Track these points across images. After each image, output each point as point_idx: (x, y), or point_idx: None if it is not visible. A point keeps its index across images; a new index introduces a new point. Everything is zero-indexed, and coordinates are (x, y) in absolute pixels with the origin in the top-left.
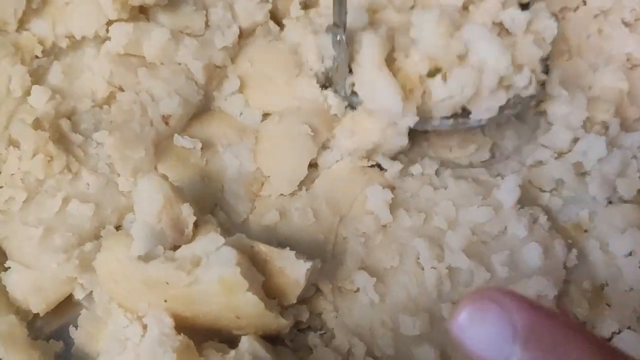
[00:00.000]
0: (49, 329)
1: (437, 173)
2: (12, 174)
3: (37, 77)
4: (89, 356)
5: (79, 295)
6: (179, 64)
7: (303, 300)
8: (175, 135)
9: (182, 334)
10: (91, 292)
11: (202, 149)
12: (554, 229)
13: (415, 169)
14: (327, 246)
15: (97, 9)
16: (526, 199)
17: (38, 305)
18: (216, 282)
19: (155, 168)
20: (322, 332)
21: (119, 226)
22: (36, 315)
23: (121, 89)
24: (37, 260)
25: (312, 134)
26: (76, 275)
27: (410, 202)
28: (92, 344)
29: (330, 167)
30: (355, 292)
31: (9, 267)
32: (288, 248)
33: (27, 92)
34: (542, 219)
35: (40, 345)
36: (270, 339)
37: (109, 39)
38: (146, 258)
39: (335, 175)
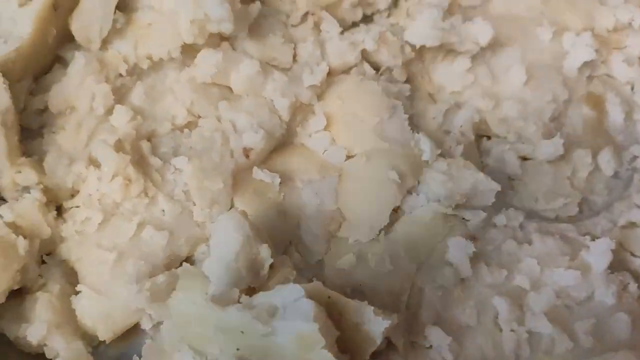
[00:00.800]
0: (112, 353)
1: (521, 226)
2: (90, 195)
3: (120, 96)
4: None
5: (146, 325)
6: (264, 97)
7: (373, 354)
8: (255, 167)
9: None
10: (158, 323)
11: (280, 183)
12: None
13: (499, 219)
14: (402, 296)
15: (175, 31)
16: (614, 262)
17: (105, 333)
18: (293, 337)
19: (232, 200)
20: None
21: (191, 256)
22: (102, 341)
23: (199, 117)
24: (108, 286)
25: (399, 180)
26: (145, 307)
27: (492, 255)
28: None
29: (412, 212)
30: (427, 348)
31: (80, 291)
32: (366, 302)
33: (110, 111)
34: (633, 286)
35: None
36: None
37: (190, 64)
38: (221, 301)
39: (416, 221)
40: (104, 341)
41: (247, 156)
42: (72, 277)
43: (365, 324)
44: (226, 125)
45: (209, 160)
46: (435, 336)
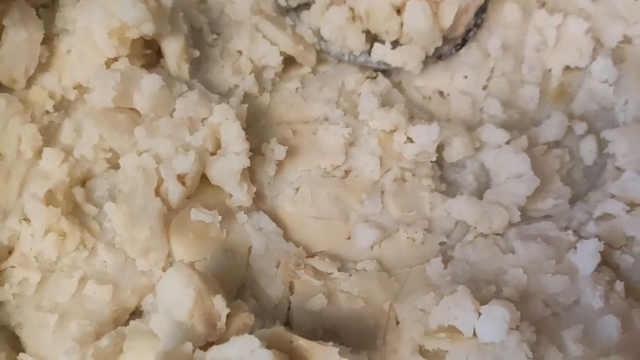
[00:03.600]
0: None
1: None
2: (25, 253)
3: (49, 136)
4: None
5: None
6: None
7: None
8: (193, 209)
9: None
10: None
11: (220, 220)
12: (630, 295)
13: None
14: (378, 332)
15: (96, 49)
16: None
17: None
18: None
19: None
20: None
21: (139, 307)
22: None
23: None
24: (52, 353)
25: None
26: None
27: (475, 271)
28: None
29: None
30: None
31: None
32: (331, 344)
33: (39, 154)
34: (619, 285)
35: None
36: None
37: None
38: (173, 359)
39: (389, 247)
40: None
41: (184, 183)
42: (16, 343)
43: None
44: (146, 160)
45: (134, 204)
46: None
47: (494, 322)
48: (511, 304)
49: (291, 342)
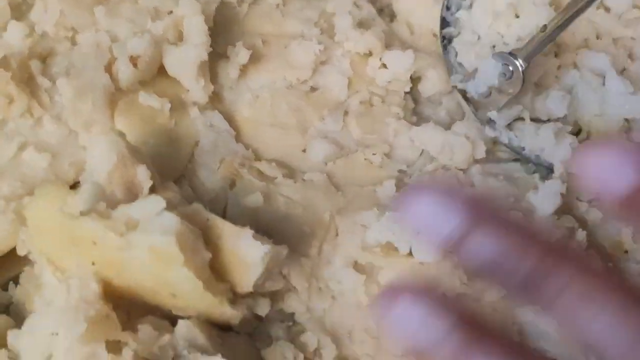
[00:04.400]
0: None
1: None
2: None
3: (20, 13)
4: (23, 317)
5: (21, 251)
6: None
7: (268, 293)
8: (141, 92)
9: (108, 303)
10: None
11: (171, 109)
12: (592, 248)
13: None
14: (314, 241)
15: None
16: (559, 207)
17: None
18: (148, 250)
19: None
20: (290, 324)
21: (77, 182)
22: None
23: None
24: None
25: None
26: (14, 229)
27: None
28: (27, 304)
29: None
30: (339, 291)
31: None
32: (248, 227)
33: (4, 27)
34: (580, 234)
35: None
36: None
37: None
38: (83, 214)
39: (344, 165)
40: None
41: (135, 65)
42: None
43: (244, 249)
44: (102, 37)
45: (83, 78)
46: (350, 278)
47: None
48: None
49: (207, 220)
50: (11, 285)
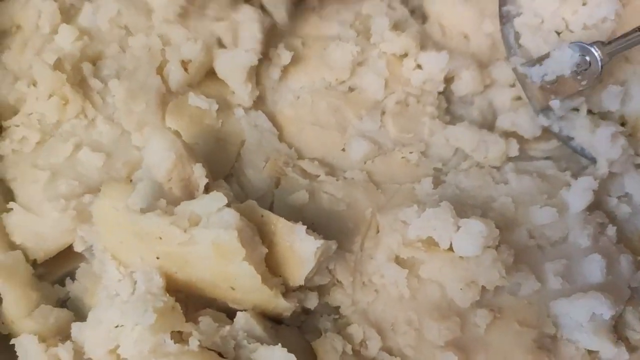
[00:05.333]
0: (50, 277)
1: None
2: (29, 114)
3: (69, 17)
4: (82, 310)
5: (78, 247)
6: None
7: (316, 287)
8: (190, 94)
9: (172, 296)
10: (91, 245)
11: (217, 110)
12: (621, 242)
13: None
14: (357, 237)
15: None
16: (591, 203)
17: (35, 252)
18: (210, 245)
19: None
20: (336, 316)
21: (130, 181)
22: (35, 261)
23: (129, 32)
24: (40, 205)
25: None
26: (74, 227)
27: (464, 195)
28: (86, 298)
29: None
30: (382, 285)
31: (11, 209)
32: (300, 223)
33: (55, 30)
34: (611, 230)
35: (44, 287)
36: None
37: None
38: (145, 210)
39: (383, 162)
40: (40, 264)
41: (186, 68)
42: (7, 197)
43: (297, 244)
44: (154, 41)
45: (136, 80)
46: (393, 272)
47: (470, 236)
48: (490, 222)
49: (262, 216)
50: (67, 281)
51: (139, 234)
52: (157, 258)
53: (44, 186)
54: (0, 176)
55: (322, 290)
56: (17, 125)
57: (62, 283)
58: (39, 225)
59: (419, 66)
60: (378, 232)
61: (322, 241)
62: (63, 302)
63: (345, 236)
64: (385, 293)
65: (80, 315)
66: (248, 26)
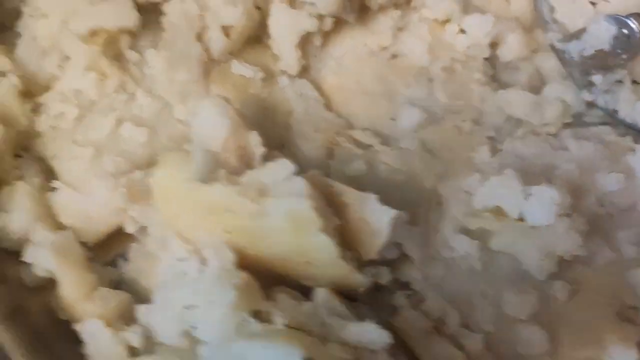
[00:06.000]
0: (100, 260)
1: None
2: (65, 90)
3: None
4: (138, 291)
5: (129, 228)
6: None
7: (385, 262)
8: (234, 61)
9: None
10: (143, 226)
11: (261, 79)
12: None
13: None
14: (419, 209)
15: None
16: None
17: (86, 234)
18: (284, 216)
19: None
20: (409, 292)
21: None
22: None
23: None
24: (85, 184)
25: None
26: (125, 206)
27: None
28: (142, 279)
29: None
30: (451, 258)
31: (56, 188)
32: (371, 194)
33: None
34: None
35: (97, 269)
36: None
37: None
38: (206, 181)
39: (436, 131)
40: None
41: (228, 35)
42: (48, 175)
43: (370, 214)
44: (189, 6)
45: (175, 49)
46: (462, 245)
47: (543, 204)
48: (562, 188)
49: (330, 186)
50: (120, 261)
51: (205, 207)
52: (227, 233)
53: (89, 163)
54: (40, 154)
55: (390, 265)
56: (54, 101)
57: (111, 264)
58: (87, 205)
59: (462, 31)
60: (440, 203)
61: (395, 210)
62: (116, 285)
63: (408, 208)
64: (455, 267)
65: (137, 297)
66: None
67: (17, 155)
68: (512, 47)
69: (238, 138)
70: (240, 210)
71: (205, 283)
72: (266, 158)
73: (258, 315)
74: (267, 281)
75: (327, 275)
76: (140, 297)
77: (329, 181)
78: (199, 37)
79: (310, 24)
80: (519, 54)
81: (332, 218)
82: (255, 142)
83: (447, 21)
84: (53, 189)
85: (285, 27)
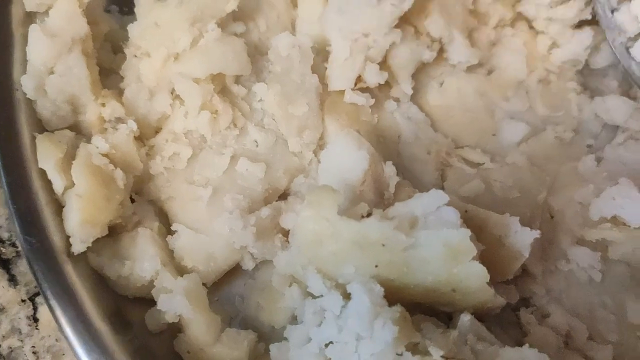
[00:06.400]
0: (212, 297)
1: None
2: (176, 130)
3: None
4: (258, 329)
5: (247, 265)
6: None
7: (509, 280)
8: (348, 89)
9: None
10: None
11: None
12: None
13: None
14: (534, 224)
15: None
16: None
17: (208, 275)
18: (440, 247)
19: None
20: (533, 308)
21: (287, 189)
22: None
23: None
24: (206, 224)
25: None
26: (249, 244)
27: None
28: (262, 316)
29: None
30: (569, 270)
31: (176, 231)
32: (508, 214)
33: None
34: None
35: (219, 309)
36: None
37: None
38: (351, 217)
39: (539, 143)
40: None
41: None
42: (162, 218)
43: (510, 236)
44: (302, 39)
45: (289, 82)
46: (581, 256)
47: None
48: None
49: (466, 211)
50: (237, 299)
51: (357, 243)
52: (376, 266)
53: (208, 203)
54: (154, 197)
55: (513, 283)
56: (166, 141)
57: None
58: (209, 246)
59: (555, 43)
60: (552, 216)
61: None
62: (237, 324)
63: (523, 224)
64: (573, 278)
65: (261, 335)
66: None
67: (131, 200)
68: (604, 55)
69: (375, 170)
70: (395, 243)
71: (354, 318)
72: (396, 187)
73: (412, 347)
74: (407, 310)
75: (469, 301)
76: (262, 335)
77: (466, 205)
78: (312, 69)
79: (429, 56)
80: (613, 59)
81: (477, 244)
82: (390, 172)
83: (540, 33)
84: (172, 232)
85: (405, 59)
